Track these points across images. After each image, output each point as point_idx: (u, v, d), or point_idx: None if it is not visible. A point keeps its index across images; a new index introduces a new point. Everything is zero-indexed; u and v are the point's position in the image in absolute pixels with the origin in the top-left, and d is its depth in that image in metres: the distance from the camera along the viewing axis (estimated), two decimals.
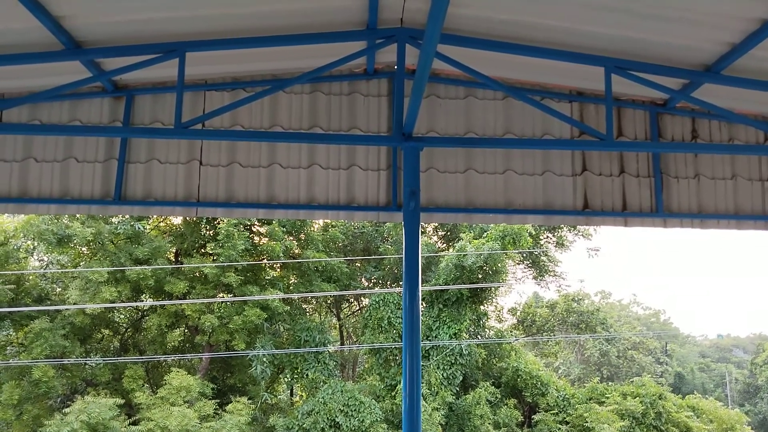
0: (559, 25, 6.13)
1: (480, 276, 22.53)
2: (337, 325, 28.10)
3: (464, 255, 21.67)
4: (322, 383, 20.92)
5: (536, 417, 22.90)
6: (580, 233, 27.28)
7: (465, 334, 22.32)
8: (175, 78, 6.39)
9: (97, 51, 6.40)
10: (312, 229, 24.19)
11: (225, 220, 21.04)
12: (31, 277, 21.63)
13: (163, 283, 20.62)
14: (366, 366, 24.15)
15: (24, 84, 7.31)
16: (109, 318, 22.60)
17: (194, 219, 21.97)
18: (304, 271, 23.12)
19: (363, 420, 19.51)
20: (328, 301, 27.15)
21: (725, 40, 6.03)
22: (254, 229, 23.13)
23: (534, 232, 24.76)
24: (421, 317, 6.35)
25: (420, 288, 6.33)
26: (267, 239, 22.38)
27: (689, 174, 7.94)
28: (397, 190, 7.59)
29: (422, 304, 22.27)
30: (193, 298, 20.62)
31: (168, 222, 23.48)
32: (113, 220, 20.90)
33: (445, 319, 22.04)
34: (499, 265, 22.23)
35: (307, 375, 21.32)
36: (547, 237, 27.32)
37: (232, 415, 19.13)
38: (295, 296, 22.58)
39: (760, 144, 8.03)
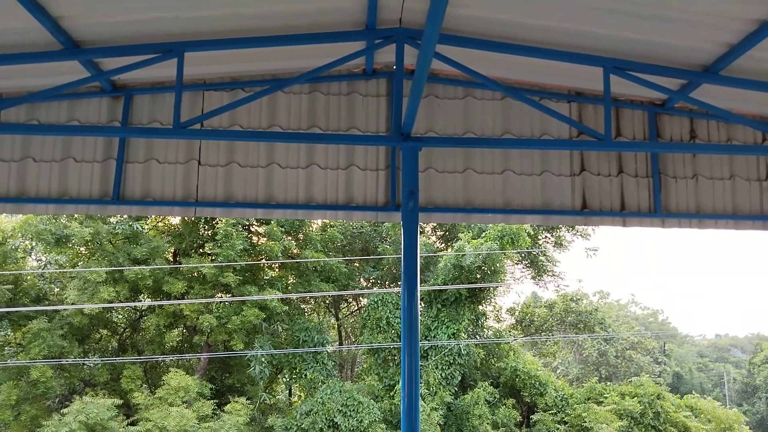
0: (557, 26, 6.13)
1: (478, 276, 22.55)
2: (336, 325, 28.09)
3: (463, 255, 21.68)
4: (320, 383, 20.92)
5: (535, 417, 22.91)
6: (579, 233, 27.31)
7: (463, 334, 22.33)
8: (173, 78, 6.38)
9: (95, 51, 6.40)
10: (310, 229, 24.18)
11: (223, 220, 21.03)
12: (29, 277, 21.60)
13: (162, 283, 20.61)
14: (364, 366, 24.15)
15: (22, 84, 7.30)
16: (107, 318, 22.57)
17: (193, 219, 21.95)
18: (303, 271, 23.11)
19: (361, 420, 19.51)
20: (327, 301, 27.15)
21: (723, 41, 6.04)
22: (253, 229, 23.12)
23: (532, 232, 24.78)
24: (419, 317, 6.36)
25: (418, 288, 6.33)
26: (265, 239, 22.36)
27: (687, 174, 7.96)
28: (395, 190, 7.59)
29: (421, 304, 22.28)
30: (192, 298, 20.61)
31: (166, 222, 23.46)
32: (111, 220, 20.88)
33: (443, 319, 22.05)
34: (497, 265, 22.24)
35: (305, 375, 21.32)
36: (546, 237, 27.34)
37: (230, 416, 19.12)
38: (294, 296, 22.57)
39: (758, 144, 8.04)
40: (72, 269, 20.98)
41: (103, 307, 20.35)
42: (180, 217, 22.11)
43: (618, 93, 7.73)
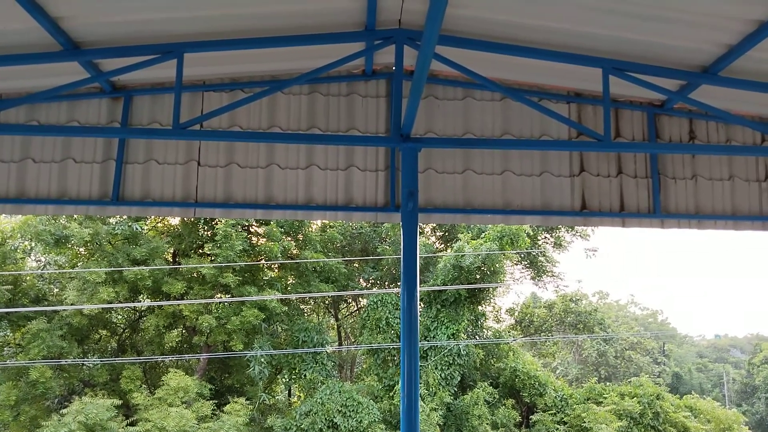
0: (556, 27, 6.14)
1: (478, 276, 22.56)
2: (335, 326, 28.09)
3: (462, 255, 21.69)
4: (320, 384, 20.92)
5: (534, 417, 22.92)
6: (578, 234, 27.33)
7: (463, 335, 22.34)
8: (173, 79, 6.38)
9: (95, 52, 6.40)
10: (310, 229, 24.18)
11: (223, 221, 21.03)
12: (28, 278, 21.59)
13: (161, 284, 20.60)
14: (364, 366, 24.15)
15: (22, 84, 7.30)
16: (106, 318, 22.56)
17: (192, 219, 21.95)
18: (302, 271, 23.11)
19: (361, 420, 19.51)
20: (326, 302, 27.15)
21: (722, 42, 6.05)
22: (252, 230, 23.12)
23: (532, 233, 24.80)
24: (419, 318, 6.36)
25: (418, 288, 6.34)
26: (265, 240, 22.36)
27: (687, 175, 7.96)
28: (395, 190, 7.59)
29: (420, 304, 22.30)
30: (191, 299, 20.60)
31: (166, 222, 23.45)
32: (111, 220, 20.87)
33: (443, 319, 22.05)
34: (497, 265, 22.26)
35: (305, 375, 21.31)
36: (545, 237, 27.36)
37: (229, 416, 19.12)
38: (293, 297, 22.57)
39: (757, 145, 8.05)
40: (71, 270, 20.97)
41: (102, 308, 20.34)
42: (179, 218, 22.11)
43: (617, 94, 7.73)
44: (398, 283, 24.60)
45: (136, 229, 20.99)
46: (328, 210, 7.61)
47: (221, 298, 21.71)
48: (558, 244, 27.30)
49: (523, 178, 7.77)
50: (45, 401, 19.90)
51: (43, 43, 6.11)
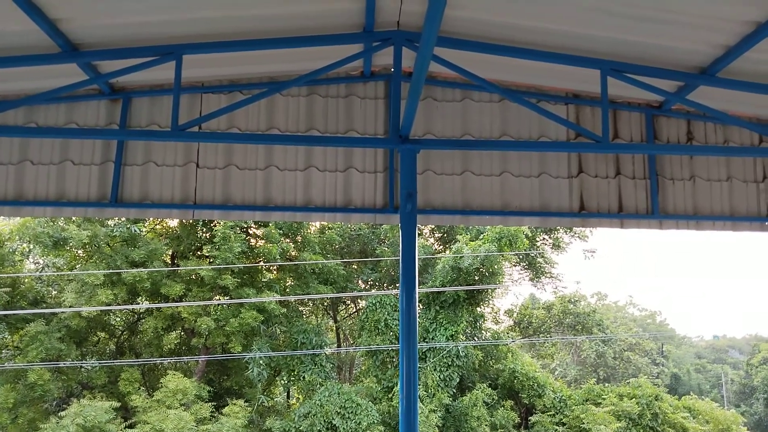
0: (555, 28, 6.15)
1: (477, 278, 22.57)
2: (334, 328, 28.07)
3: (461, 257, 21.70)
4: (318, 385, 20.91)
5: (533, 418, 22.92)
6: (577, 235, 27.36)
7: (462, 336, 22.34)
8: (171, 80, 6.38)
9: (93, 54, 6.39)
10: (309, 231, 24.17)
11: (221, 223, 21.01)
12: (26, 280, 21.55)
13: (160, 286, 20.58)
14: (363, 368, 24.14)
15: (20, 86, 7.29)
16: (105, 321, 22.53)
17: (191, 221, 21.94)
18: (301, 273, 23.10)
19: (360, 422, 19.50)
20: (325, 304, 27.13)
21: (720, 43, 6.06)
22: (251, 232, 23.11)
23: (530, 234, 24.81)
24: (417, 319, 6.36)
25: (417, 290, 6.33)
26: (263, 241, 22.36)
27: (685, 176, 7.97)
28: (393, 192, 7.59)
29: (419, 306, 22.30)
30: (190, 301, 20.59)
31: (164, 224, 23.43)
32: (109, 222, 20.86)
33: (441, 321, 22.05)
34: (495, 266, 22.27)
35: (303, 377, 21.30)
36: (544, 239, 27.38)
37: (228, 418, 19.10)
38: (292, 298, 22.56)
39: (754, 146, 8.07)
40: (70, 272, 20.95)
41: (100, 310, 20.31)
42: (178, 220, 22.09)
43: (615, 95, 7.75)
44: (397, 285, 24.59)
45: (135, 231, 20.98)
46: (327, 211, 7.61)
47: (220, 300, 21.69)
48: (556, 246, 27.33)
49: (521, 179, 7.78)
50: (43, 404, 19.86)
51: (42, 44, 6.11)
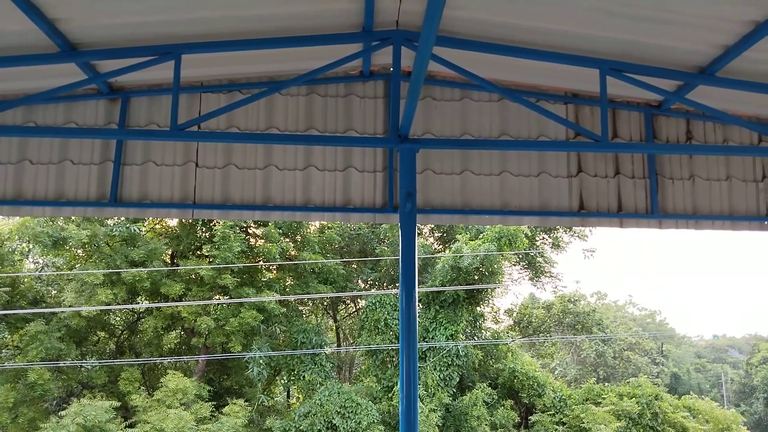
0: (554, 28, 6.14)
1: (476, 277, 22.57)
2: (334, 327, 28.08)
3: (460, 256, 21.70)
4: (318, 385, 20.91)
5: (533, 418, 22.93)
6: (576, 234, 27.36)
7: (461, 336, 22.34)
8: (170, 80, 6.38)
9: (92, 53, 6.39)
10: (308, 230, 24.17)
11: (221, 222, 21.02)
12: (26, 280, 21.56)
13: (159, 286, 20.59)
14: (363, 368, 24.15)
15: (19, 86, 7.29)
16: (104, 320, 22.54)
17: (190, 221, 21.94)
18: (301, 272, 23.10)
19: (360, 422, 19.50)
20: (325, 303, 27.13)
21: (719, 43, 6.06)
22: (250, 231, 23.11)
23: (530, 234, 24.81)
24: (417, 319, 6.36)
25: (416, 289, 6.33)
26: (263, 241, 22.36)
27: (684, 175, 7.97)
28: (393, 191, 7.59)
29: (419, 305, 22.30)
30: (189, 300, 20.59)
31: (164, 224, 23.44)
32: (109, 222, 20.86)
33: (441, 320, 22.05)
34: (495, 266, 22.27)
35: (303, 377, 21.30)
36: (543, 238, 27.38)
37: (228, 418, 19.11)
38: (292, 298, 22.56)
39: (754, 145, 8.07)
40: (69, 271, 20.95)
41: (100, 310, 20.32)
42: (177, 219, 22.10)
43: (614, 94, 7.74)
44: (397, 284, 24.59)
45: (134, 230, 20.98)
46: (327, 211, 7.60)
47: (220, 299, 21.70)
48: (556, 245, 27.33)
49: (521, 178, 7.77)
50: (43, 403, 19.88)
51: (41, 44, 6.11)
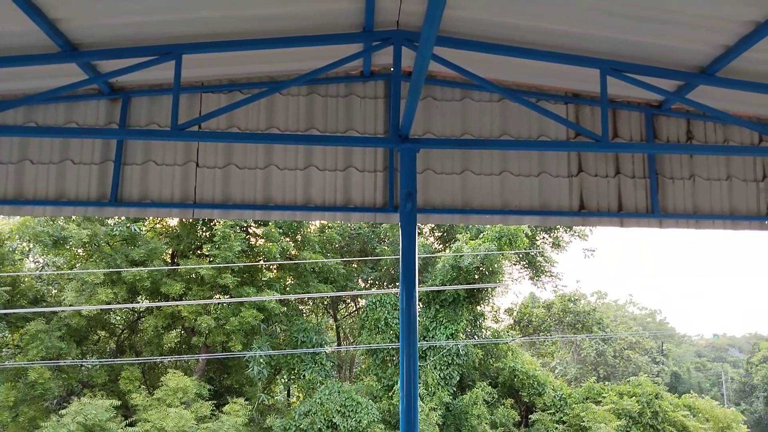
0: (554, 28, 6.15)
1: (477, 277, 22.57)
2: (334, 326, 28.09)
3: (461, 256, 21.71)
4: (319, 384, 20.93)
5: (533, 417, 22.95)
6: (576, 234, 27.36)
7: (462, 335, 22.35)
8: (171, 80, 6.38)
9: (93, 53, 6.39)
10: (308, 230, 24.18)
11: (221, 222, 21.02)
12: (26, 279, 21.57)
13: (160, 285, 20.60)
14: (363, 367, 24.16)
15: (20, 86, 7.29)
16: (105, 319, 22.55)
17: (190, 220, 21.95)
18: (301, 272, 23.11)
19: (360, 420, 19.52)
20: (325, 302, 27.15)
21: (720, 43, 6.06)
22: (250, 231, 23.12)
23: (530, 233, 24.82)
24: (418, 318, 6.37)
25: (417, 289, 6.34)
26: (263, 240, 22.36)
27: (684, 175, 7.98)
28: (393, 191, 7.59)
29: (419, 304, 22.31)
30: (190, 300, 20.60)
31: (164, 224, 23.45)
32: (109, 221, 20.87)
33: (441, 319, 22.06)
34: (495, 265, 22.28)
35: (304, 376, 21.32)
36: (544, 238, 27.39)
37: (229, 416, 19.13)
38: (292, 297, 22.57)
39: (754, 145, 8.07)
40: (70, 271, 20.96)
41: (101, 309, 20.33)
42: (178, 219, 22.11)
43: (615, 94, 7.75)
44: (397, 284, 24.59)
45: (135, 230, 20.99)
46: (327, 211, 7.61)
47: (220, 298, 21.71)
48: (556, 245, 27.34)
49: (521, 178, 7.78)
50: (44, 402, 19.89)
51: (42, 44, 6.11)
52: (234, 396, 20.95)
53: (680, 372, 49.97)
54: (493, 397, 22.49)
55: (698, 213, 7.90)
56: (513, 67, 7.25)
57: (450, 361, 21.64)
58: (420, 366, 21.02)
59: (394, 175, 7.62)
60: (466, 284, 22.04)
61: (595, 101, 7.87)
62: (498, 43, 6.50)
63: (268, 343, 21.23)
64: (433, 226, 26.89)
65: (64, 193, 7.46)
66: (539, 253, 26.88)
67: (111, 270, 19.94)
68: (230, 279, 20.63)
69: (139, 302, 22.37)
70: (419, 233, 26.37)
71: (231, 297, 21.05)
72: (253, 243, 22.72)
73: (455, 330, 21.76)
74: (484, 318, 24.84)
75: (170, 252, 23.04)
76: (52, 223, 19.66)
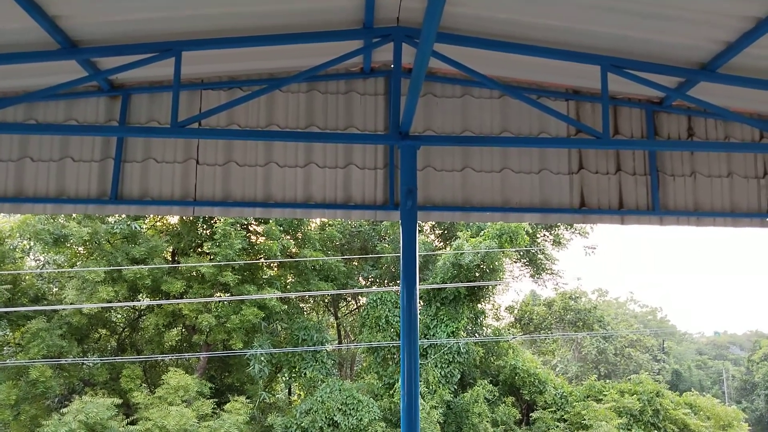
0: (555, 24, 6.13)
1: (477, 274, 22.56)
2: (335, 324, 28.10)
3: (461, 253, 21.70)
4: (320, 382, 20.94)
5: (534, 415, 22.95)
6: (577, 231, 27.34)
7: (462, 333, 22.35)
8: (171, 77, 6.37)
9: (93, 50, 6.39)
10: (309, 228, 24.18)
11: (222, 219, 21.03)
12: (27, 277, 21.59)
13: (160, 283, 20.61)
14: (364, 365, 24.17)
15: (20, 83, 7.28)
16: (106, 318, 22.57)
17: (191, 218, 21.95)
18: (302, 270, 23.11)
19: (361, 419, 19.53)
20: (326, 300, 27.16)
21: (721, 39, 6.04)
22: (251, 228, 23.12)
23: (531, 231, 24.80)
24: (418, 316, 6.36)
25: (417, 286, 6.33)
26: (264, 238, 22.37)
27: (685, 172, 7.96)
28: (394, 188, 7.59)
29: (420, 302, 22.31)
30: (190, 298, 20.61)
31: (165, 221, 23.45)
32: (110, 219, 20.87)
33: (442, 317, 22.06)
34: (496, 263, 22.27)
35: (305, 374, 21.33)
36: (544, 235, 27.36)
37: (230, 415, 19.14)
38: (293, 295, 22.58)
39: (755, 142, 8.05)
40: (70, 269, 20.98)
41: (101, 307, 20.35)
42: (178, 217, 22.11)
43: (616, 91, 7.74)
44: (398, 282, 24.61)
45: (135, 228, 20.99)
46: (327, 208, 7.60)
47: (221, 296, 21.72)
48: (557, 242, 27.32)
49: (522, 175, 7.77)
50: (45, 400, 19.92)
51: (41, 41, 6.10)
52: (235, 394, 20.97)
53: (681, 370, 49.96)
54: (494, 395, 22.50)
55: (699, 210, 7.89)
56: (513, 63, 7.24)
57: (451, 359, 21.64)
58: (421, 364, 21.03)
59: (394, 172, 7.61)
60: (467, 282, 22.04)
61: (595, 98, 7.86)
62: (498, 39, 6.48)
63: (269, 341, 21.24)
64: (433, 223, 26.89)
65: (65, 191, 7.46)
66: (540, 250, 26.87)
67: (112, 268, 19.95)
68: (231, 277, 20.64)
69: (139, 300, 22.38)
70: (420, 231, 26.36)
71: (232, 295, 21.06)
72: (253, 241, 22.72)
73: (456, 328, 21.76)
74: (485, 316, 24.83)
75: (171, 250, 23.05)
76: (52, 221, 19.67)
